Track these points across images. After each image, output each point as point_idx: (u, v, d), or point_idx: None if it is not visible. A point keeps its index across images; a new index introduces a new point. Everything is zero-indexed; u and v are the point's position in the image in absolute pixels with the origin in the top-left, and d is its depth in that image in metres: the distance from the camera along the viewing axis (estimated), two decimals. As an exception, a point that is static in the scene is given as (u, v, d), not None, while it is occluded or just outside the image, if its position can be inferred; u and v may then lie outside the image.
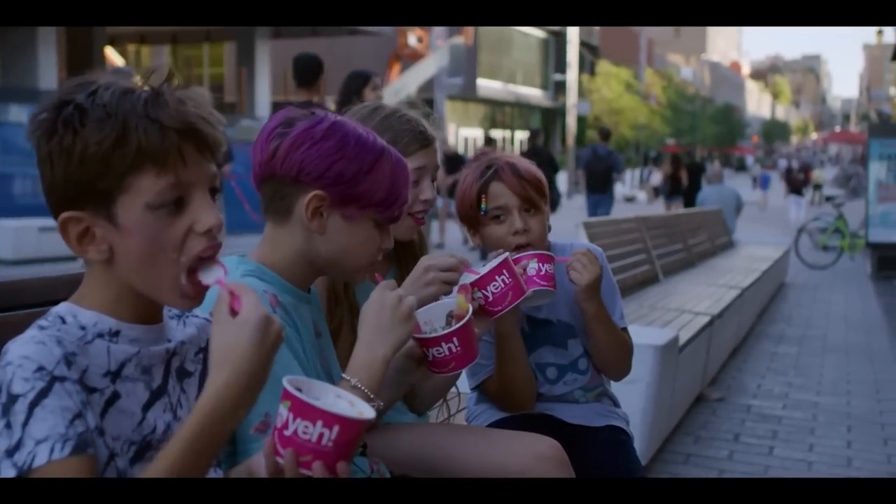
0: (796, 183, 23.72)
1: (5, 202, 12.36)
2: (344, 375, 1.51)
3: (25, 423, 1.11)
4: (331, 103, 7.02)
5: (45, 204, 1.23)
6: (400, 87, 27.61)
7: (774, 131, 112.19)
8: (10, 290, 1.62)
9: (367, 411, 1.26)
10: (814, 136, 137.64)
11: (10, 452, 1.10)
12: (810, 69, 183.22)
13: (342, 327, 1.94)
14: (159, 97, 1.20)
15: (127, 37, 28.76)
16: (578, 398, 2.36)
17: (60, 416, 1.12)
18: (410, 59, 32.53)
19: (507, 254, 1.96)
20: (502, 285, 1.89)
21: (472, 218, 2.25)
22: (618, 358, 2.33)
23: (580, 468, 2.04)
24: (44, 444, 1.10)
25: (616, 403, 2.46)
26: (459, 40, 34.32)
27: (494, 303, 1.89)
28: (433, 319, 1.69)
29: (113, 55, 24.02)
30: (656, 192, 31.71)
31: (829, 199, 16.89)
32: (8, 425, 1.12)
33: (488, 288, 1.89)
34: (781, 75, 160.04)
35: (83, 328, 1.24)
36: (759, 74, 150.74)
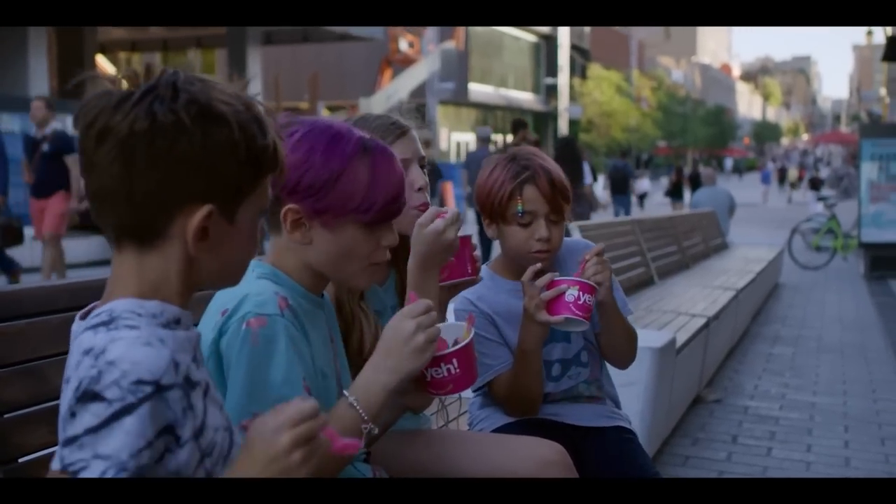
0: (815, 182, 25.58)
1: (-4, 210, 12.25)
2: (344, 392, 1.49)
3: (94, 430, 1.05)
4: (323, 110, 7.02)
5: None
6: (392, 93, 27.60)
7: (765, 133, 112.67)
8: (10, 300, 1.61)
9: None
10: (805, 136, 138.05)
11: (66, 443, 1.06)
12: (800, 70, 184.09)
13: (363, 337, 1.89)
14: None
15: (118, 44, 28.71)
16: (583, 392, 2.41)
17: (131, 442, 1.05)
18: (402, 64, 32.55)
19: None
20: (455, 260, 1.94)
21: (496, 212, 2.27)
22: (629, 345, 2.41)
23: (591, 469, 2.05)
24: (100, 462, 1.04)
25: (618, 405, 2.49)
26: (451, 45, 34.36)
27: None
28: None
29: (104, 63, 23.95)
30: (641, 200, 32.10)
31: (821, 199, 16.96)
32: (72, 415, 1.06)
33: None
34: (772, 77, 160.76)
35: (154, 317, 1.17)
36: (749, 76, 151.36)
